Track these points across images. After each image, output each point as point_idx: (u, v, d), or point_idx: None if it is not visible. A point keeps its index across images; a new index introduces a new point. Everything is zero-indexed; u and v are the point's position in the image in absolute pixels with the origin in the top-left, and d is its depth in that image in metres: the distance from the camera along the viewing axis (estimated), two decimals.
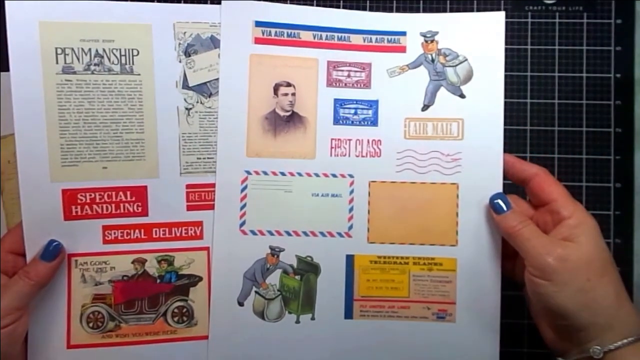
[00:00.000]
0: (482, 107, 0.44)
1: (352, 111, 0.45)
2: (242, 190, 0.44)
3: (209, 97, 0.44)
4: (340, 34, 0.45)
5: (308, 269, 0.44)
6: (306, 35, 0.45)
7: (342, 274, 0.44)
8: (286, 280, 0.44)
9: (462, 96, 0.45)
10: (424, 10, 0.50)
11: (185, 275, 0.44)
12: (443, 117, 0.45)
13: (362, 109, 0.45)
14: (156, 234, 0.43)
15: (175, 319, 0.43)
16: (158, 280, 0.43)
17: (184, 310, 0.43)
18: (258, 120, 0.44)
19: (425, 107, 0.45)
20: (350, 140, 0.45)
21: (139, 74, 0.43)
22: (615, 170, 0.50)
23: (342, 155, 0.45)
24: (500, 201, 0.42)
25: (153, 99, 0.43)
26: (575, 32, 0.51)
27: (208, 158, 0.44)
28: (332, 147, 0.45)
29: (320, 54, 0.45)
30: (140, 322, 0.43)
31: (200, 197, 0.44)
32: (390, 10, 0.50)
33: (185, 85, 0.44)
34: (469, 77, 0.45)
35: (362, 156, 0.45)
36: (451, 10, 0.50)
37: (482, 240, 0.44)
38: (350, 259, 0.44)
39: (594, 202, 0.48)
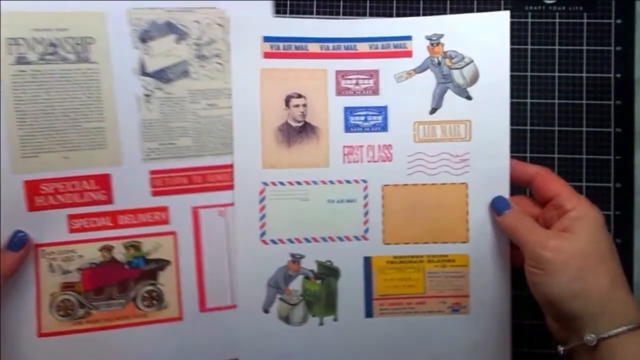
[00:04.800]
0: (488, 107, 0.46)
1: (362, 118, 0.46)
2: (261, 201, 0.45)
3: (168, 82, 0.44)
4: (346, 43, 0.46)
5: (328, 273, 0.46)
6: (314, 47, 0.45)
7: (360, 275, 0.46)
8: (308, 285, 0.46)
9: (469, 98, 0.46)
10: (425, 11, 0.50)
11: (153, 260, 0.44)
12: (451, 119, 0.46)
13: (372, 115, 0.46)
14: (122, 221, 0.44)
15: (145, 303, 0.44)
16: (126, 266, 0.44)
17: (154, 294, 0.44)
18: (272, 132, 0.45)
19: (433, 110, 0.46)
20: (361, 146, 0.46)
21: (96, 62, 0.43)
22: (615, 170, 0.51)
23: (355, 161, 0.46)
24: (499, 203, 0.44)
25: (111, 86, 0.43)
26: (575, 32, 0.51)
27: (170, 144, 0.44)
28: (344, 155, 0.46)
29: (329, 64, 0.46)
30: (110, 307, 0.44)
31: (165, 182, 0.44)
32: (391, 10, 0.50)
33: (143, 72, 0.44)
34: (475, 79, 0.46)
35: (374, 161, 0.46)
36: (452, 11, 0.50)
37: (492, 236, 0.46)
38: (367, 261, 0.46)
39: (594, 202, 0.48)
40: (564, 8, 0.51)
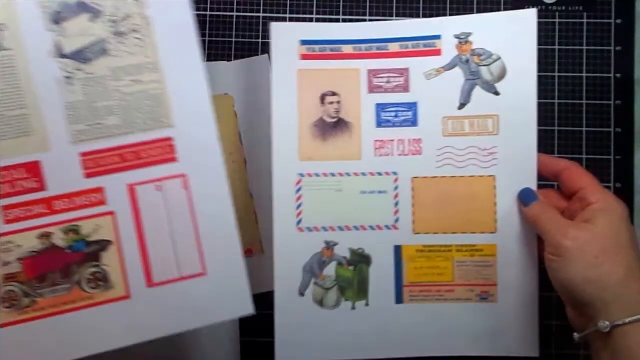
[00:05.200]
0: (516, 102, 0.47)
1: (393, 114, 0.49)
2: (297, 191, 0.49)
3: (88, 62, 0.43)
4: (378, 44, 0.49)
5: (360, 260, 0.49)
6: (347, 49, 0.49)
7: (391, 263, 0.49)
8: (341, 271, 0.49)
9: (497, 93, 0.48)
10: (424, 11, 0.52)
11: (94, 242, 0.44)
12: (479, 114, 0.48)
13: (402, 111, 0.49)
14: (58, 207, 0.43)
15: (91, 285, 0.44)
16: (67, 251, 0.44)
17: (99, 275, 0.44)
18: (308, 128, 0.49)
19: (461, 106, 0.48)
20: (392, 141, 0.49)
21: (11, 49, 0.42)
22: (615, 170, 0.51)
23: (386, 155, 0.49)
24: (526, 195, 0.46)
25: (29, 72, 0.42)
26: (575, 32, 0.52)
27: (98, 124, 0.44)
28: (376, 148, 0.49)
29: (361, 64, 0.49)
30: (56, 294, 0.43)
31: (97, 163, 0.44)
32: (391, 10, 0.52)
33: (61, 54, 0.43)
34: (502, 75, 0.48)
35: (405, 155, 0.49)
36: (451, 10, 0.52)
37: (520, 227, 0.47)
38: (398, 249, 0.49)
39: None
40: (564, 8, 0.52)
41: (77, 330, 0.44)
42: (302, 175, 0.49)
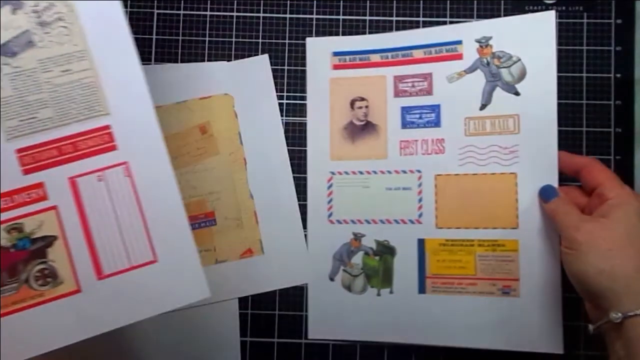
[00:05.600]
0: (536, 101, 0.49)
1: (417, 116, 0.52)
2: (329, 187, 0.54)
3: (14, 56, 0.42)
4: (403, 52, 0.53)
5: (385, 251, 0.53)
6: (375, 58, 0.53)
7: (414, 255, 0.52)
8: (367, 260, 0.53)
9: (517, 94, 0.49)
10: (424, 11, 0.53)
11: (39, 239, 0.43)
12: (500, 114, 0.50)
13: (426, 113, 0.52)
14: None
15: (39, 282, 0.43)
16: (12, 250, 0.43)
17: (46, 271, 0.43)
18: (339, 131, 0.54)
19: (483, 107, 0.50)
20: (416, 141, 0.52)
21: None
22: (615, 170, 0.50)
23: (411, 154, 0.52)
24: (546, 191, 0.48)
25: None
26: (575, 32, 0.52)
27: (31, 118, 0.42)
28: (401, 148, 0.52)
29: (388, 72, 0.53)
30: (4, 294, 0.42)
31: (34, 158, 0.43)
32: (391, 10, 0.54)
33: None
34: (522, 76, 0.49)
35: (428, 154, 0.52)
36: (451, 10, 0.53)
37: (541, 222, 0.48)
38: (421, 242, 0.52)
39: None
40: (564, 8, 0.51)
41: (29, 329, 0.43)
42: (333, 173, 0.54)
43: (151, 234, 0.44)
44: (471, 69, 0.51)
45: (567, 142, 0.51)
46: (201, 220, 0.54)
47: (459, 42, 0.51)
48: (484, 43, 0.50)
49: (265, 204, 0.54)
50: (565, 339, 0.48)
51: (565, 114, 0.52)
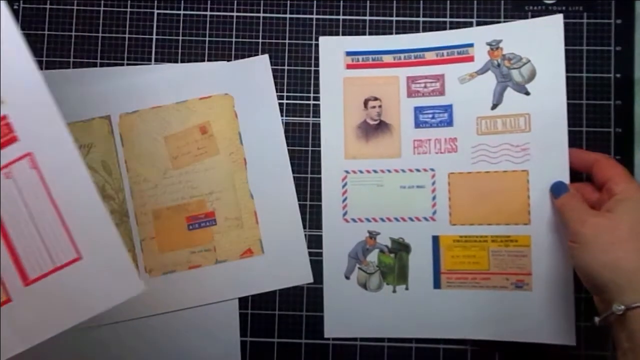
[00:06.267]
0: (546, 101, 0.51)
1: (430, 116, 0.53)
2: (343, 186, 0.54)
3: None
4: (416, 53, 0.54)
5: (400, 248, 0.53)
6: (388, 58, 0.54)
7: (429, 251, 0.52)
8: (383, 258, 0.53)
9: (527, 93, 0.51)
10: (425, 11, 0.54)
11: None
12: (511, 113, 0.52)
13: (439, 113, 0.53)
14: None
15: None
16: None
17: None
18: (353, 130, 0.54)
19: (494, 106, 0.52)
20: (429, 140, 0.53)
21: None
22: None
23: (424, 153, 0.53)
24: (557, 187, 0.49)
25: None
26: (575, 32, 0.53)
27: None
28: (414, 147, 0.53)
29: (401, 72, 0.54)
30: None
31: None
32: (391, 10, 0.55)
33: None
34: (532, 76, 0.51)
35: (441, 152, 0.53)
36: (451, 10, 0.54)
37: (553, 218, 0.50)
38: (435, 239, 0.52)
39: None
40: (564, 8, 0.53)
41: None
42: (347, 172, 0.54)
43: (70, 228, 0.40)
44: (482, 71, 0.53)
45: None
46: (201, 220, 0.53)
47: (471, 45, 0.53)
48: (494, 46, 0.52)
49: (265, 204, 0.54)
50: None
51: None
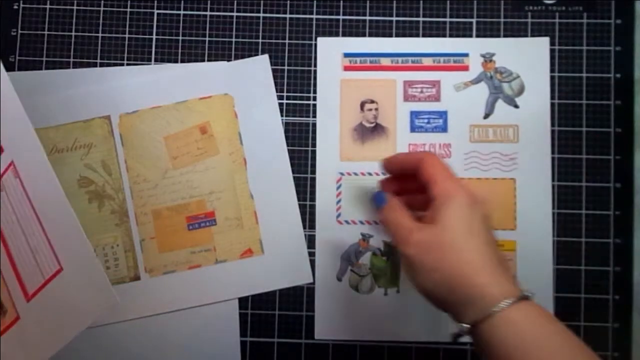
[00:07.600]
0: (533, 114, 0.53)
1: (426, 121, 0.55)
2: (338, 188, 0.55)
3: None
4: (413, 58, 0.55)
5: (393, 251, 0.55)
6: (385, 61, 0.55)
7: None
8: (375, 261, 0.55)
9: (516, 106, 0.54)
10: (424, 11, 0.55)
11: None
12: (501, 123, 0.54)
13: (434, 118, 0.55)
14: None
15: None
16: None
17: None
18: (348, 132, 0.55)
19: (486, 116, 0.54)
20: (424, 144, 0.55)
21: None
22: (615, 170, 0.52)
23: None
24: (377, 198, 0.45)
25: None
26: (575, 32, 0.53)
27: None
28: (410, 151, 0.55)
29: (398, 76, 0.55)
30: None
31: None
32: (391, 10, 0.55)
33: None
34: (521, 91, 0.54)
35: None
36: (451, 10, 0.55)
37: (537, 224, 0.53)
38: None
39: (594, 202, 0.49)
40: (564, 8, 0.53)
41: None
42: (342, 173, 0.55)
43: (50, 237, 0.39)
44: (476, 80, 0.54)
45: (567, 142, 0.53)
46: (201, 220, 0.53)
47: (466, 55, 0.54)
48: (488, 58, 0.54)
49: (265, 204, 0.54)
50: None
51: (565, 114, 0.53)
